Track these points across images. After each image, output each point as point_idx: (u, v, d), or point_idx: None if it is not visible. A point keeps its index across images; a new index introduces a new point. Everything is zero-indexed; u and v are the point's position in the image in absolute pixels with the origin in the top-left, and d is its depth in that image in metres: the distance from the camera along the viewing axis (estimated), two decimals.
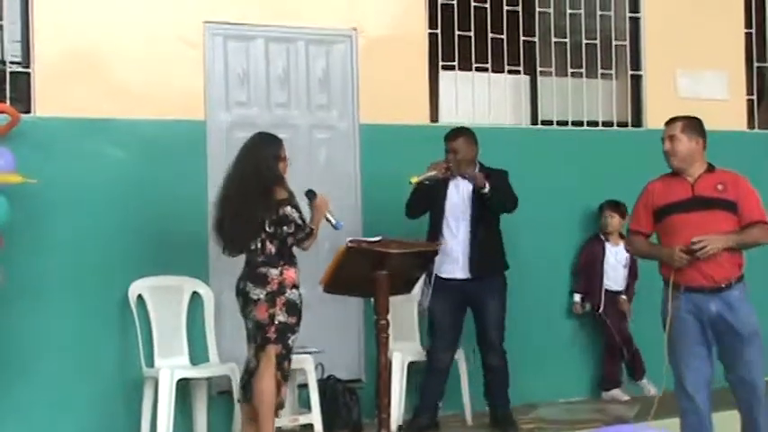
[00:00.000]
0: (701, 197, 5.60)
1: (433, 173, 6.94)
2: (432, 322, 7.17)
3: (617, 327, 8.18)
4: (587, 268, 8.22)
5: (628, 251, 6.12)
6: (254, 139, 6.33)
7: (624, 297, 8.27)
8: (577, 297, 8.23)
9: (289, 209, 6.10)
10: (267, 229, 6.08)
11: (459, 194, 7.04)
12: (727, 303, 5.53)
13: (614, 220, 8.22)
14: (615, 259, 8.23)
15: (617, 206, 8.22)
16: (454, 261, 7.01)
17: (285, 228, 6.09)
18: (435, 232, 7.04)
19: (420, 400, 7.19)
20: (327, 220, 6.28)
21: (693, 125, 5.76)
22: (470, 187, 7.00)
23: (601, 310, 8.15)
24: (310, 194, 6.29)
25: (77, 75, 7.00)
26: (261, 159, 6.17)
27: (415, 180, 6.94)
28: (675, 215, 5.64)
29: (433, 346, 7.14)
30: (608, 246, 8.23)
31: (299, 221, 6.13)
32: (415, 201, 7.07)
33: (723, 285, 5.53)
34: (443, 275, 7.04)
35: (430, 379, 7.14)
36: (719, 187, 5.60)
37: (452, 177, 7.03)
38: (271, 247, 6.10)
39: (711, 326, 5.58)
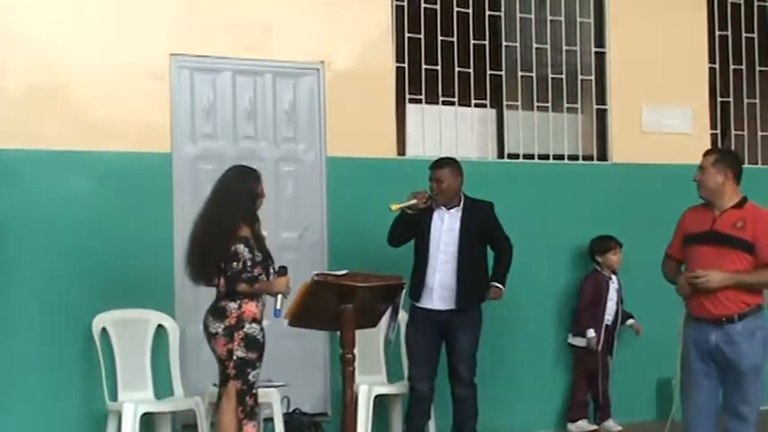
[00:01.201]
0: (717, 232, 5.68)
1: (413, 201, 6.92)
2: (409, 352, 7.17)
3: (603, 360, 8.22)
4: (593, 304, 8.24)
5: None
6: (231, 174, 6.27)
7: (634, 320, 8.40)
8: (592, 333, 8.18)
9: (241, 247, 6.04)
10: (220, 264, 6.05)
11: (441, 226, 7.03)
12: (728, 336, 5.62)
13: (618, 256, 8.30)
14: (615, 293, 8.32)
15: (617, 241, 8.31)
16: (432, 292, 7.01)
17: (234, 264, 6.04)
18: (420, 263, 7.03)
19: (406, 428, 7.19)
20: (275, 299, 6.10)
21: (726, 159, 5.84)
22: (454, 220, 7.02)
23: (599, 347, 8.19)
24: (281, 270, 6.17)
25: (42, 107, 6.98)
26: (236, 198, 6.12)
27: (394, 207, 6.92)
28: (693, 246, 5.77)
29: (411, 375, 7.13)
30: (608, 279, 8.32)
31: (249, 262, 6.05)
32: (398, 229, 7.04)
33: (723, 319, 5.61)
34: (422, 305, 7.04)
35: (412, 408, 7.13)
36: (738, 225, 5.65)
37: (436, 207, 7.03)
38: (222, 283, 6.07)
39: (711, 357, 5.67)
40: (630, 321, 8.40)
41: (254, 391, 6.10)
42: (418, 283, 7.00)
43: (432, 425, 7.37)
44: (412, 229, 7.01)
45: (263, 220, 6.29)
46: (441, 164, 7.11)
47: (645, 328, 8.42)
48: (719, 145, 9.25)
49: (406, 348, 7.24)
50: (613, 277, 8.33)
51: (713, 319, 5.64)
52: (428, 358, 7.05)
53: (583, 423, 8.21)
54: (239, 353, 6.02)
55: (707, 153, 5.92)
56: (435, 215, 7.04)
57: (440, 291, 6.98)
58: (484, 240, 7.10)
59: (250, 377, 6.06)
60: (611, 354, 8.30)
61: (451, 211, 7.06)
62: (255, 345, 6.06)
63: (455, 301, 6.98)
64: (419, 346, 7.05)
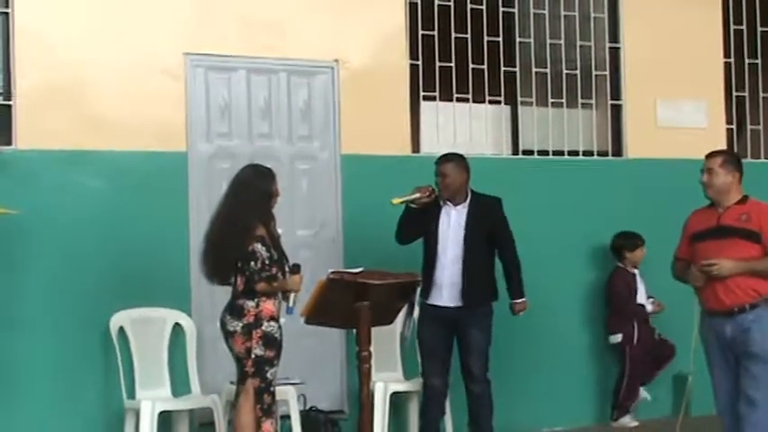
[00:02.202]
0: (724, 226, 5.91)
1: (416, 195, 6.90)
2: (421, 349, 7.16)
3: (644, 353, 8.29)
4: (628, 300, 8.29)
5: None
6: (247, 173, 6.28)
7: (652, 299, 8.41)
8: (619, 338, 8.30)
9: (258, 246, 6.05)
10: (237, 263, 6.07)
11: (449, 222, 6.99)
12: (740, 325, 5.83)
13: (644, 252, 8.37)
14: (642, 286, 8.39)
15: (642, 237, 8.37)
16: (442, 289, 6.96)
17: (252, 263, 6.05)
18: (429, 260, 7.01)
19: (421, 425, 7.18)
20: (286, 296, 6.13)
21: (732, 160, 6.08)
22: (461, 215, 6.98)
23: (635, 341, 8.26)
24: (295, 267, 6.20)
25: (58, 107, 7.00)
26: (251, 197, 6.13)
27: (396, 201, 6.90)
28: (701, 242, 5.98)
29: (425, 372, 7.11)
30: (635, 274, 8.38)
31: (267, 261, 6.06)
32: (404, 226, 7.00)
33: (735, 310, 5.82)
34: (431, 302, 7.01)
35: (427, 404, 7.11)
36: (743, 218, 5.89)
37: (442, 203, 7.02)
38: (240, 282, 6.09)
39: (731, 349, 5.88)
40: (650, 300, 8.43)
41: (271, 388, 6.11)
42: (428, 280, 6.95)
43: (448, 421, 7.38)
44: (419, 225, 6.97)
45: (277, 219, 6.31)
46: (446, 158, 7.08)
47: (662, 323, 8.42)
48: (735, 140, 9.25)
49: (418, 345, 7.23)
50: (636, 271, 8.37)
51: (726, 310, 5.84)
52: (441, 354, 7.02)
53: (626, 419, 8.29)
54: (258, 351, 6.03)
55: (712, 155, 6.10)
56: (443, 212, 7.01)
57: (449, 288, 6.95)
58: (491, 239, 7.07)
59: (268, 375, 6.07)
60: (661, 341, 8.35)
61: (458, 207, 7.02)
62: (273, 343, 6.07)
63: (457, 298, 6.94)
64: (431, 342, 7.03)
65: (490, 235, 7.03)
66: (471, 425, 7.17)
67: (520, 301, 7.13)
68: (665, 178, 8.66)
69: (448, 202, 7.01)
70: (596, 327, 8.49)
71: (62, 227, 6.96)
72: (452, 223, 6.99)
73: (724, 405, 5.95)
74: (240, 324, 6.04)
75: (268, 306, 6.07)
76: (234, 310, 6.08)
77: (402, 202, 6.91)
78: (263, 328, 6.04)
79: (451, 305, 6.95)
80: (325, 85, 7.80)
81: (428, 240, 7.02)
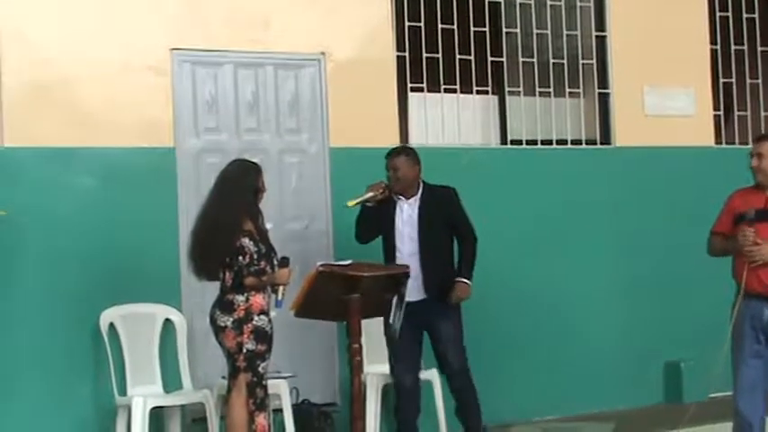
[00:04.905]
0: None
1: (370, 194, 6.85)
2: (392, 346, 7.10)
3: None
4: None
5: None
6: (233, 169, 6.29)
7: None
8: None
9: (246, 240, 6.05)
10: (225, 259, 6.06)
11: (403, 216, 6.94)
12: None
13: None
14: None
15: None
16: None
17: (240, 258, 6.05)
18: (389, 255, 6.95)
19: (397, 424, 7.12)
20: (274, 290, 6.15)
21: None
22: (413, 209, 6.92)
23: None
24: (283, 261, 6.20)
25: (45, 104, 6.98)
26: (237, 193, 6.14)
27: (351, 203, 6.86)
28: (746, 222, 5.91)
29: (395, 369, 7.01)
30: None
31: (255, 255, 6.06)
32: (363, 225, 6.96)
33: None
34: None
35: (401, 402, 7.04)
36: None
37: (395, 198, 6.97)
38: (228, 277, 6.09)
39: (764, 331, 5.84)
40: None
41: (264, 382, 6.12)
42: None
43: (441, 413, 7.36)
44: (376, 223, 6.93)
45: (266, 213, 6.31)
46: (396, 152, 7.02)
47: (653, 311, 8.41)
48: (723, 126, 9.26)
49: (387, 342, 7.08)
50: None
51: (766, 293, 5.80)
52: (410, 351, 6.92)
53: None
54: (249, 345, 6.03)
55: (760, 140, 6.08)
56: (397, 207, 6.95)
57: (411, 282, 6.85)
58: (448, 228, 7.01)
59: (260, 369, 6.08)
60: None
61: (410, 200, 6.95)
62: (264, 337, 6.07)
63: (420, 291, 6.86)
64: (402, 338, 6.92)
65: (448, 225, 6.97)
66: (459, 416, 7.08)
67: (465, 281, 6.87)
68: (653, 166, 8.69)
69: (401, 197, 6.97)
70: (578, 311, 8.43)
71: (51, 224, 6.95)
72: (405, 217, 6.93)
73: (745, 388, 5.88)
74: (231, 319, 6.04)
75: (258, 300, 6.07)
76: (223, 305, 6.08)
77: (357, 204, 6.87)
78: (254, 322, 6.04)
79: (415, 299, 6.80)
80: (312, 78, 7.79)
81: (386, 236, 6.95)
